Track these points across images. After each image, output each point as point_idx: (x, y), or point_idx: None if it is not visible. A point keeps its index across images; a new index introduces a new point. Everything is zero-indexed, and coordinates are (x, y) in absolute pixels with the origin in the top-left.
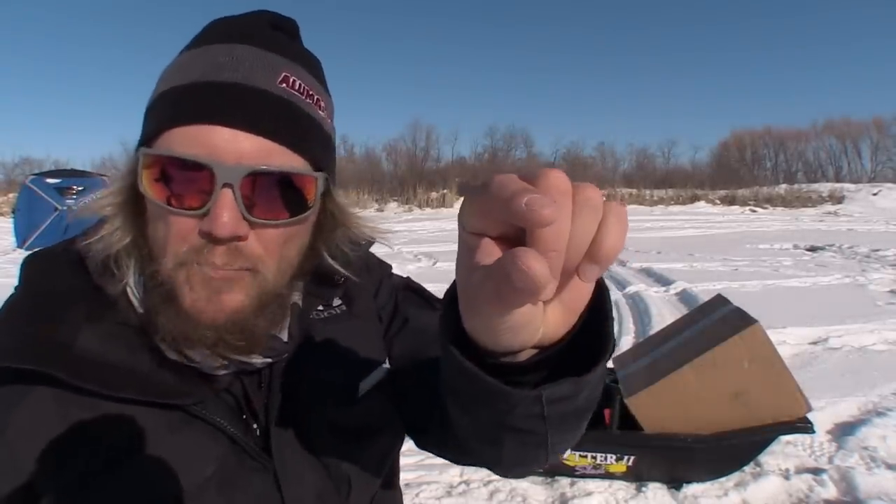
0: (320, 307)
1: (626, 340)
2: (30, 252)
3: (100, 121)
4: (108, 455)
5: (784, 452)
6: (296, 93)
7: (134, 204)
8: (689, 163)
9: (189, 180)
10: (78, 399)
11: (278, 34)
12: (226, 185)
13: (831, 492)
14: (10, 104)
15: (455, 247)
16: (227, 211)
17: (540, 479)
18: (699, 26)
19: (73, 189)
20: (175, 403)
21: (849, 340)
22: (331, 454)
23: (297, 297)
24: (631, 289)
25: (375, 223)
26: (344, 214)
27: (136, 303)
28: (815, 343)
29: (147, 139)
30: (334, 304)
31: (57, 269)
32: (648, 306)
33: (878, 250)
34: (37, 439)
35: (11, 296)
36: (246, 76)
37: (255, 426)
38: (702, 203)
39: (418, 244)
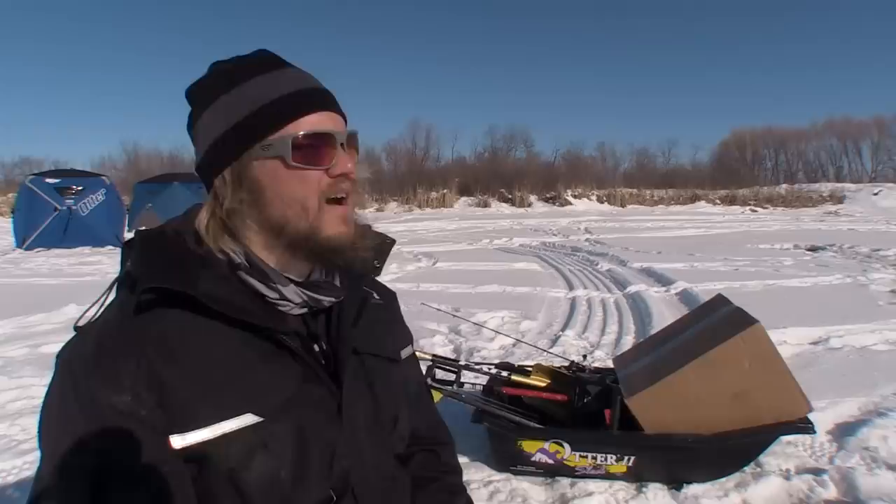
0: (373, 293)
1: (626, 340)
2: (140, 229)
3: (100, 121)
4: (224, 370)
5: (785, 453)
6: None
7: (236, 183)
8: (689, 163)
9: (321, 146)
10: (201, 323)
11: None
12: (341, 144)
13: (832, 492)
14: (10, 104)
15: (456, 247)
16: (350, 159)
17: (540, 479)
18: (699, 26)
19: (73, 189)
20: (274, 329)
21: (850, 340)
22: (383, 392)
23: (364, 243)
24: (631, 289)
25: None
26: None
27: (235, 256)
28: (815, 343)
29: (262, 135)
30: (375, 297)
31: (167, 238)
32: (649, 306)
33: (879, 250)
34: (169, 356)
35: (136, 253)
36: (312, 83)
37: (321, 361)
38: (702, 203)
39: (418, 244)
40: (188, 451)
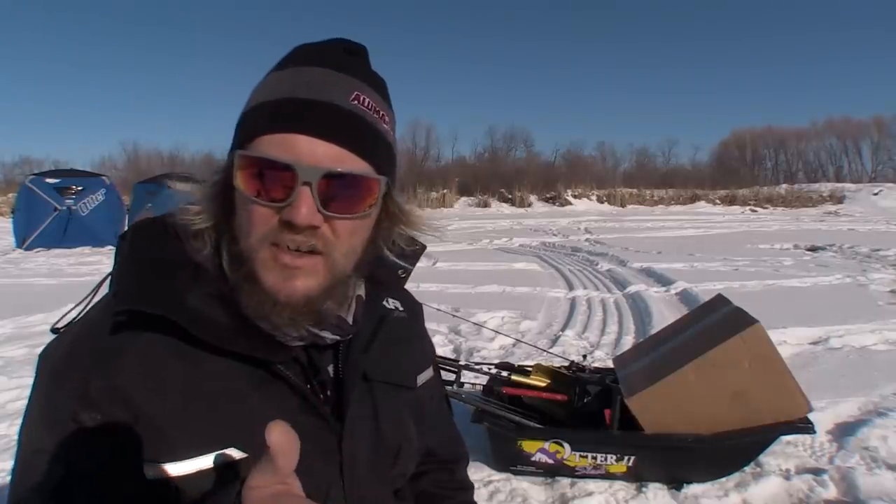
0: (391, 304)
1: (626, 340)
2: (134, 222)
3: (99, 121)
4: (206, 400)
5: (784, 453)
6: (365, 108)
7: (223, 195)
8: (689, 163)
9: (275, 178)
10: (183, 348)
11: (351, 58)
12: (305, 182)
13: (832, 492)
14: (11, 104)
15: (455, 247)
16: (305, 205)
17: (540, 479)
18: (700, 26)
19: (73, 189)
20: (266, 359)
21: (849, 340)
22: (388, 426)
23: (360, 290)
24: (631, 289)
25: (429, 221)
26: (402, 213)
27: (228, 274)
28: (815, 343)
29: (241, 143)
30: (399, 308)
31: (162, 238)
32: (649, 306)
33: (878, 250)
34: (145, 380)
35: (122, 257)
36: (323, 94)
37: (320, 393)
38: (702, 203)
39: None
40: (159, 484)
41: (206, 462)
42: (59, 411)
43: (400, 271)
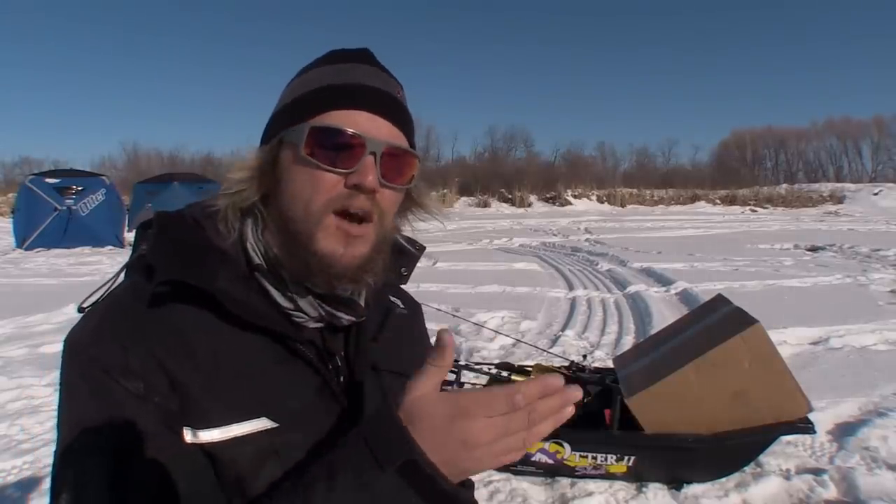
0: (398, 302)
1: (626, 340)
2: (160, 212)
3: (99, 121)
4: (235, 372)
5: (785, 453)
6: (403, 101)
7: (266, 172)
8: (689, 163)
9: (344, 148)
10: (213, 322)
11: (382, 64)
12: (371, 153)
13: (832, 492)
14: (11, 104)
15: (455, 247)
16: (371, 172)
17: (540, 479)
18: (700, 26)
19: (73, 189)
20: (289, 336)
21: (849, 340)
22: None
23: (369, 277)
24: (631, 289)
25: (437, 209)
26: (421, 193)
27: (255, 256)
28: (815, 343)
29: (296, 121)
30: (401, 306)
31: (186, 227)
32: (649, 306)
33: (878, 250)
34: (178, 350)
35: (154, 238)
36: (379, 83)
37: (338, 376)
38: (702, 203)
39: None
40: (196, 449)
41: (239, 430)
42: (104, 384)
43: (403, 269)
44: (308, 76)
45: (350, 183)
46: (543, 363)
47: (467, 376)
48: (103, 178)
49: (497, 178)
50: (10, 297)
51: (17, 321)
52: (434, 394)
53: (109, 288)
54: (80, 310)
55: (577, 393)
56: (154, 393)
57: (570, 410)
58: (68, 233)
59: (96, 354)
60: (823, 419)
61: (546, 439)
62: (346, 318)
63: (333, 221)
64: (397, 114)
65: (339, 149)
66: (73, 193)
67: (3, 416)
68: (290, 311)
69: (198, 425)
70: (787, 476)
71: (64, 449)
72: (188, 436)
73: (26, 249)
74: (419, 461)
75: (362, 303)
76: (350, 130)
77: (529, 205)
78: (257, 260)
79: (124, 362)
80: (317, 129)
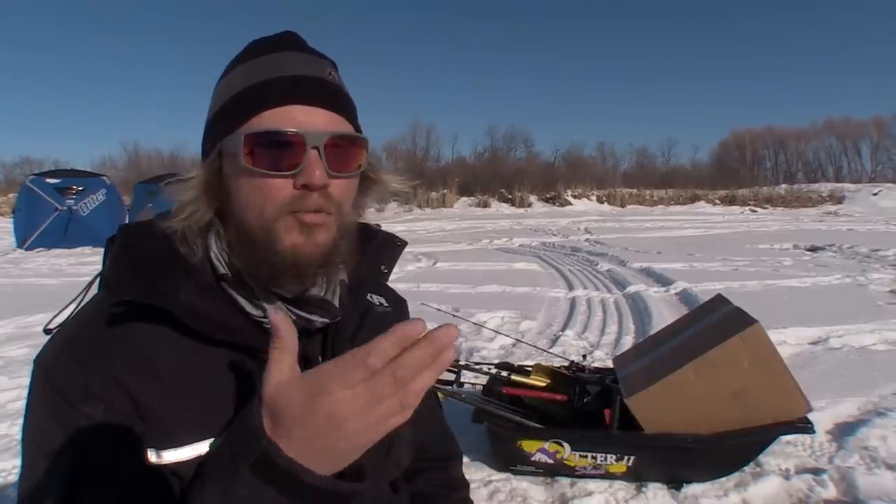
0: (375, 300)
1: (626, 340)
2: (124, 224)
3: (100, 121)
4: (200, 388)
5: (784, 452)
6: (338, 81)
7: (213, 186)
8: (689, 163)
9: (285, 148)
10: (175, 339)
11: (306, 44)
12: (313, 147)
13: (831, 492)
14: (11, 104)
15: (455, 247)
16: (317, 167)
17: (540, 479)
18: (699, 26)
19: (73, 189)
20: (257, 348)
21: (849, 340)
22: None
23: (343, 275)
24: (631, 289)
25: (398, 180)
26: (377, 170)
27: (220, 266)
28: (815, 343)
29: (230, 129)
30: (384, 304)
31: (150, 238)
32: (648, 306)
33: (878, 250)
34: (140, 370)
35: (114, 253)
36: (307, 70)
37: None
38: (702, 203)
39: (418, 244)
40: (161, 470)
41: (205, 448)
42: (63, 408)
43: (383, 267)
44: (232, 78)
45: (298, 184)
46: (543, 363)
47: (467, 376)
48: (104, 178)
49: (497, 178)
50: (10, 297)
51: (18, 321)
52: (290, 378)
53: (77, 307)
54: (47, 331)
55: (449, 331)
56: (115, 414)
57: (448, 355)
58: (69, 233)
59: (56, 378)
60: (823, 419)
61: (546, 439)
62: (319, 320)
63: (290, 219)
64: (332, 98)
65: (279, 150)
66: (74, 193)
67: (3, 416)
68: (260, 319)
69: (162, 445)
70: (786, 476)
71: (24, 471)
72: (152, 456)
73: (27, 249)
74: (271, 454)
75: (336, 302)
76: (286, 129)
77: (529, 205)
78: (222, 270)
79: (84, 385)
80: (251, 135)
